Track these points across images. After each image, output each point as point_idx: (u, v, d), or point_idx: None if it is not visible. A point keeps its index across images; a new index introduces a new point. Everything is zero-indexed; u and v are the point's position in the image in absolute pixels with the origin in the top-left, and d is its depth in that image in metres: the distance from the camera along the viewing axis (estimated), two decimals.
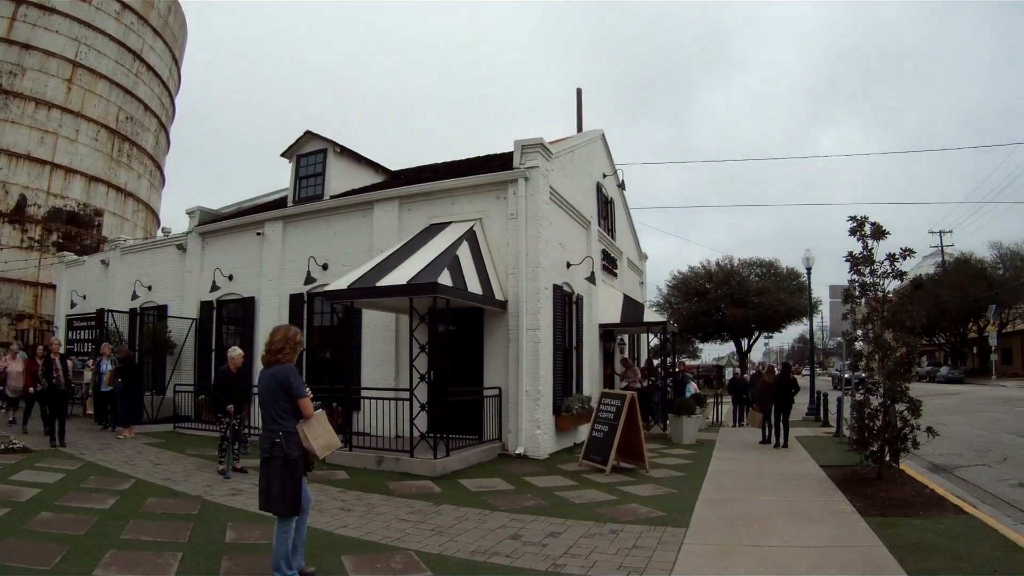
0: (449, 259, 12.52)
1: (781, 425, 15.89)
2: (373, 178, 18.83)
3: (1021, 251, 54.76)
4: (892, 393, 10.64)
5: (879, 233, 11.37)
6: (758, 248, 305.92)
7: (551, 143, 15.57)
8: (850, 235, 11.58)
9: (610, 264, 21.32)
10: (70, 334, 23.87)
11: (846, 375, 14.48)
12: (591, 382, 17.90)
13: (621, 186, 22.86)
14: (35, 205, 30.96)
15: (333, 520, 8.08)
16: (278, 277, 17.59)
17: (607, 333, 20.21)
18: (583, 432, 14.64)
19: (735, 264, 56.16)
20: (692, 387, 22.69)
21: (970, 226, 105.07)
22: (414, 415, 11.83)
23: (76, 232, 32.33)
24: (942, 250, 62.84)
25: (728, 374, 42.08)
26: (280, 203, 19.04)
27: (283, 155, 18.29)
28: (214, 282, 18.85)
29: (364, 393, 14.06)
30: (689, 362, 60.33)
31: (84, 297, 24.16)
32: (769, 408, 16.34)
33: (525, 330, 13.82)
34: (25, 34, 30.73)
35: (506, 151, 15.96)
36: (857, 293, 11.75)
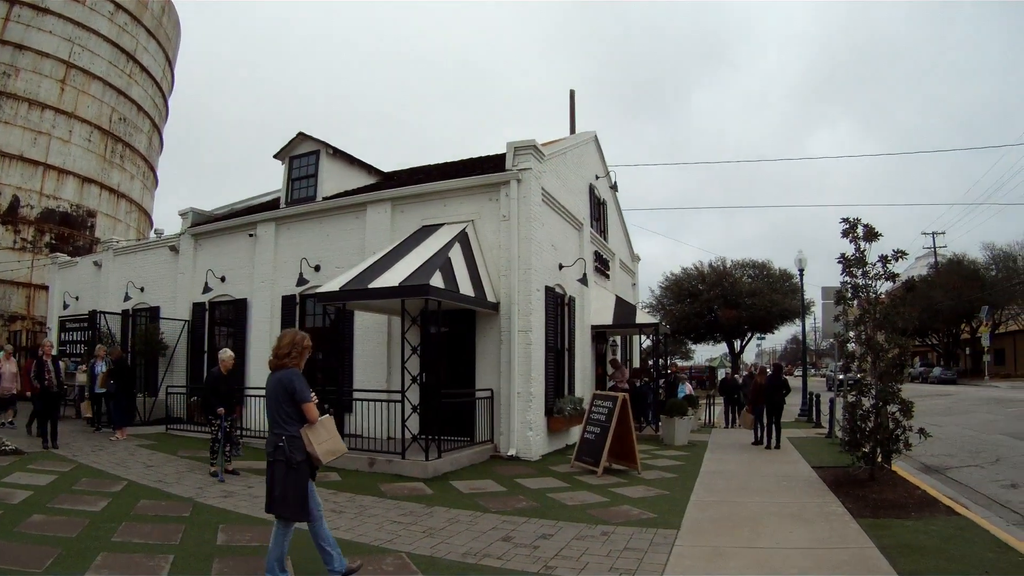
0: (441, 261, 12.54)
1: (773, 426, 15.91)
2: (366, 180, 18.82)
3: (1014, 252, 54.86)
4: (884, 394, 10.67)
5: (871, 235, 11.40)
6: (751, 249, 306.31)
7: (544, 145, 15.60)
8: (842, 237, 11.61)
9: (602, 265, 21.33)
10: (63, 335, 23.77)
11: (840, 376, 14.55)
12: (583, 383, 17.92)
13: (613, 187, 22.90)
14: (28, 206, 30.86)
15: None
16: (270, 279, 17.58)
17: (599, 334, 20.23)
18: (575, 433, 14.66)
19: (728, 265, 56.20)
20: (687, 388, 22.76)
21: (963, 227, 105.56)
22: (406, 417, 11.84)
23: (69, 233, 32.23)
24: (935, 251, 63.08)
25: (721, 375, 42.07)
26: (273, 204, 19.02)
27: (276, 156, 18.27)
28: (206, 283, 18.83)
29: (356, 395, 14.05)
30: (681, 363, 60.42)
31: (77, 298, 24.09)
32: (761, 409, 16.37)
33: (517, 331, 13.84)
34: (19, 34, 30.64)
35: (499, 153, 15.95)
36: (849, 295, 11.76)
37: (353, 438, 12.94)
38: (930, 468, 12.56)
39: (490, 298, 13.89)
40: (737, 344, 59.58)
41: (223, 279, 18.79)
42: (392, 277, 12.31)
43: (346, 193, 17.40)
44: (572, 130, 24.07)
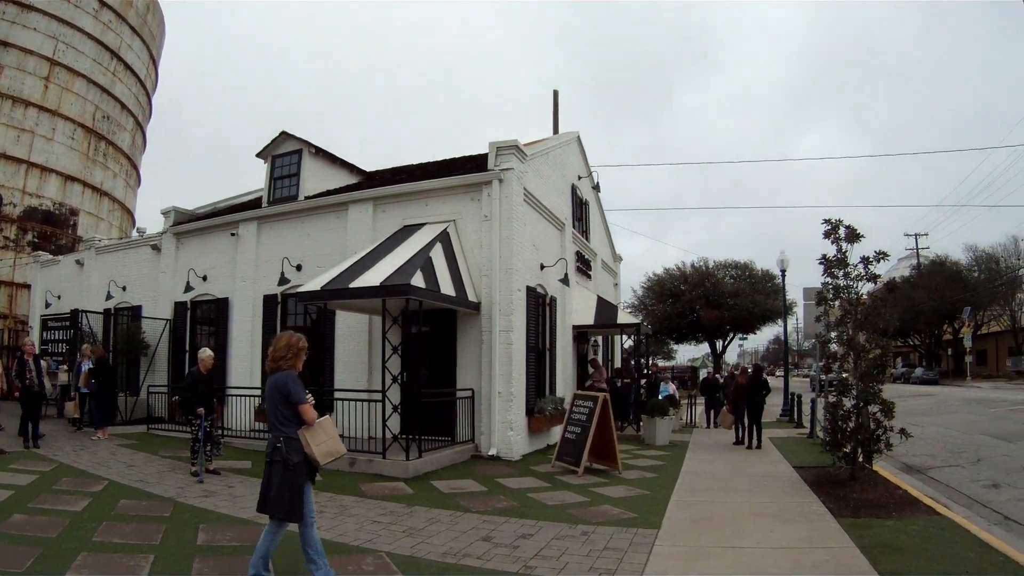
0: (422, 260, 12.54)
1: (754, 426, 15.99)
2: (348, 179, 18.81)
3: (996, 254, 55.28)
4: (865, 395, 10.74)
5: (853, 236, 11.49)
6: (734, 250, 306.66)
7: (526, 145, 15.64)
8: (824, 238, 11.68)
9: (584, 266, 21.41)
10: (45, 334, 23.69)
11: (824, 377, 14.62)
12: (564, 383, 17.97)
13: (596, 188, 22.94)
14: (10, 204, 30.60)
15: None
16: (252, 278, 17.53)
17: (581, 334, 20.27)
18: (556, 433, 14.68)
19: (710, 266, 56.24)
20: (670, 388, 22.79)
21: (946, 229, 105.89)
22: (387, 416, 11.83)
23: (51, 232, 32.01)
24: (917, 252, 63.42)
25: (702, 375, 42.19)
26: (255, 204, 18.96)
27: (258, 155, 18.20)
28: (188, 283, 18.76)
29: (337, 395, 14.04)
30: (662, 363, 60.50)
31: (59, 297, 23.94)
32: (742, 410, 16.45)
33: (498, 331, 13.87)
34: (3, 31, 30.32)
35: (481, 153, 16.00)
36: (830, 296, 11.82)
37: None
38: (912, 468, 12.65)
39: (471, 298, 13.91)
40: (719, 344, 59.71)
41: (205, 278, 18.73)
42: (373, 277, 12.32)
43: (328, 192, 17.37)
44: (555, 130, 24.10)
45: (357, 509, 8.96)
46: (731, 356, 75.42)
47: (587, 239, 22.14)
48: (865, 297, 11.90)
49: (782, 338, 30.84)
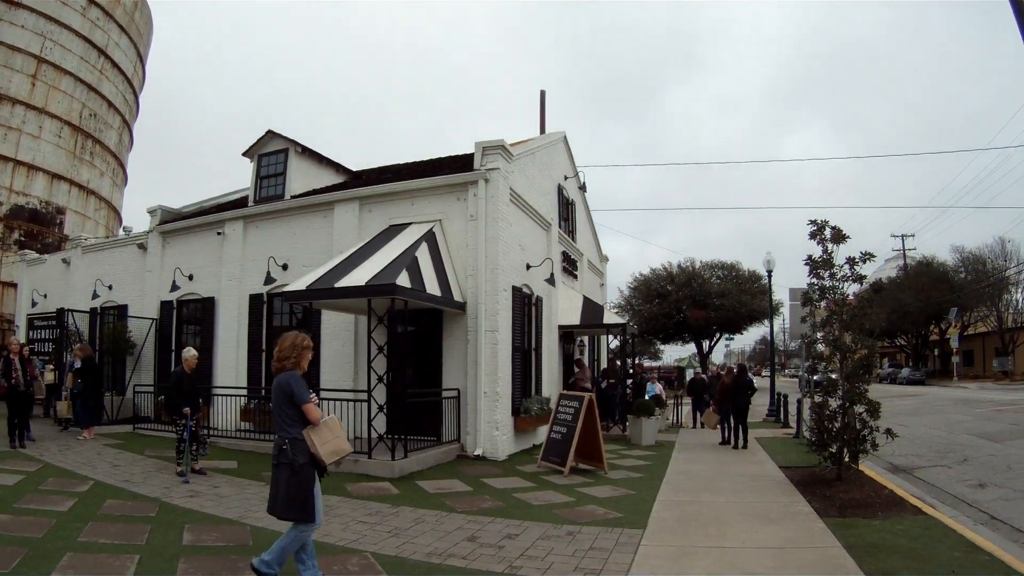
0: (408, 260, 12.54)
1: (740, 426, 16.05)
2: (334, 178, 18.80)
3: (983, 255, 55.55)
4: (851, 395, 10.77)
5: (839, 237, 11.51)
6: (721, 251, 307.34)
7: (512, 145, 15.64)
8: (810, 239, 11.71)
9: (570, 266, 21.44)
10: (31, 334, 23.57)
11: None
12: (550, 383, 18.00)
13: (582, 188, 22.98)
14: None
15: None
16: (238, 277, 17.49)
17: (567, 335, 20.28)
18: (542, 433, 14.69)
19: (697, 266, 56.19)
20: (657, 387, 22.81)
21: (933, 230, 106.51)
22: (372, 416, 11.83)
23: (38, 230, 31.89)
24: (904, 253, 63.67)
25: (689, 375, 42.23)
26: (241, 203, 18.91)
27: (244, 154, 18.17)
28: (174, 282, 18.69)
29: (323, 394, 13.94)
30: (648, 363, 60.50)
31: (45, 296, 23.81)
32: (728, 410, 16.50)
33: (484, 331, 13.88)
34: None
35: (467, 152, 16.00)
36: (816, 296, 11.85)
37: None
38: (898, 468, 12.70)
39: (457, 298, 13.93)
40: (706, 345, 59.73)
41: (191, 277, 18.66)
42: (359, 276, 12.32)
43: (314, 192, 17.35)
44: (542, 130, 24.15)
45: (342, 509, 8.94)
46: (718, 356, 75.51)
47: (573, 239, 22.17)
48: (851, 298, 11.92)
49: (769, 338, 30.91)
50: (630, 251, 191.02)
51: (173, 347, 18.98)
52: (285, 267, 16.43)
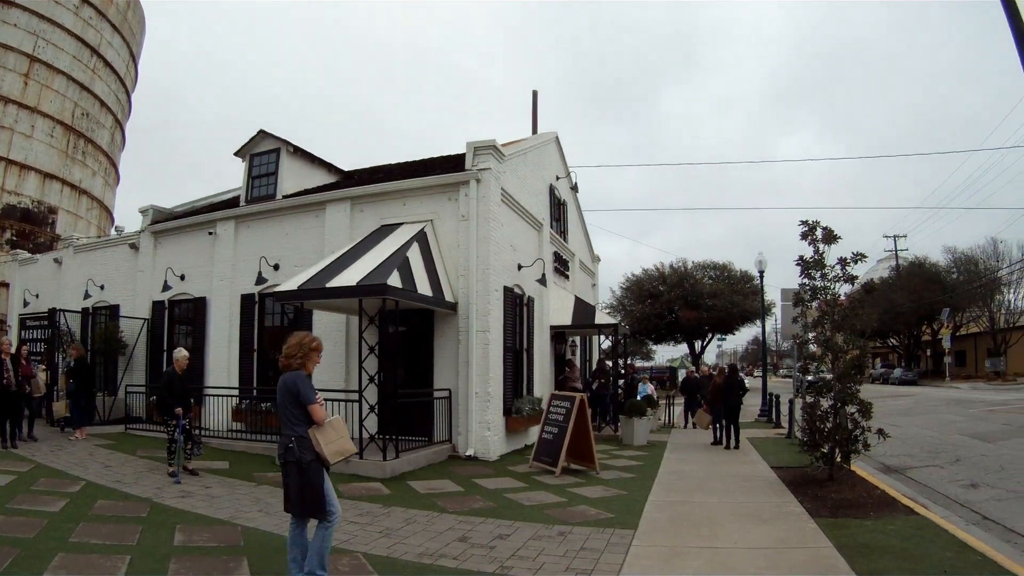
0: (399, 260, 12.54)
1: (731, 426, 16.06)
2: (326, 178, 18.78)
3: (975, 256, 55.70)
4: (843, 395, 10.78)
5: (830, 238, 11.51)
6: (714, 251, 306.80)
7: (504, 145, 15.68)
8: (801, 239, 11.70)
9: (562, 266, 21.46)
10: (23, 333, 23.51)
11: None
12: (542, 384, 18.01)
13: (574, 188, 23.03)
14: None
15: (282, 522, 8.02)
16: (230, 277, 17.47)
17: (559, 335, 20.31)
18: (534, 434, 14.73)
19: (689, 267, 56.18)
20: (648, 388, 22.83)
21: (925, 231, 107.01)
22: (363, 417, 11.83)
23: (30, 230, 31.76)
24: (896, 254, 63.84)
25: (681, 375, 42.28)
26: (233, 203, 18.87)
27: (236, 154, 18.14)
28: (166, 282, 18.65)
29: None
30: (639, 363, 60.49)
31: (37, 296, 23.73)
32: (720, 410, 16.52)
33: (475, 331, 13.89)
34: None
35: (459, 152, 15.99)
36: (807, 297, 11.88)
37: None
38: (890, 468, 12.71)
39: (448, 298, 13.93)
40: (698, 345, 59.76)
41: (183, 277, 18.63)
42: (350, 276, 12.31)
43: (306, 192, 17.34)
44: (535, 130, 24.22)
45: None
46: (710, 357, 75.53)
47: (565, 239, 22.20)
48: (843, 298, 11.94)
49: (761, 339, 30.97)
50: (623, 252, 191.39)
51: (165, 347, 18.92)
52: (276, 267, 16.41)
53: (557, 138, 21.35)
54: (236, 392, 15.96)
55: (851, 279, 11.54)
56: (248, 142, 17.89)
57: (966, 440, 16.27)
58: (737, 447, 15.84)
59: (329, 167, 19.09)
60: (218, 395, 15.24)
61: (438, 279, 13.81)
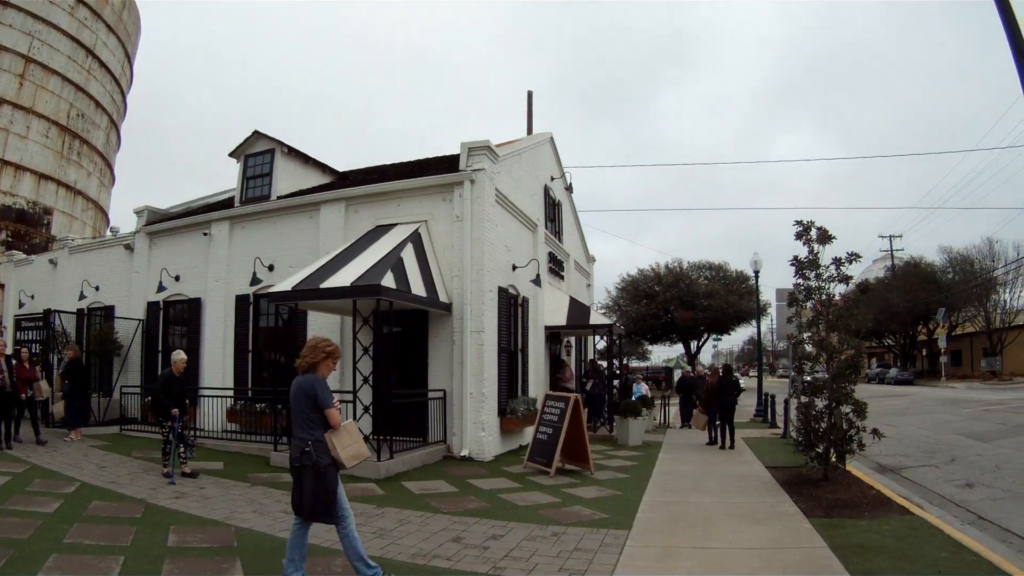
0: (393, 261, 12.55)
1: (727, 426, 16.07)
2: (321, 179, 18.78)
3: (971, 256, 55.76)
4: (837, 395, 10.79)
5: (825, 238, 11.53)
6: (709, 251, 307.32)
7: (498, 145, 15.68)
8: (796, 239, 11.71)
9: (557, 266, 21.48)
10: (18, 335, 23.46)
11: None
12: (537, 384, 18.00)
13: (569, 189, 23.01)
14: None
15: (276, 523, 8.09)
16: (225, 278, 17.44)
17: (553, 335, 20.30)
18: (528, 434, 14.70)
19: (684, 267, 56.11)
20: (643, 388, 22.82)
21: (921, 231, 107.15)
22: (358, 417, 11.78)
23: (25, 231, 31.77)
24: (892, 254, 63.84)
25: (677, 374, 42.22)
26: (228, 203, 18.85)
27: (231, 155, 18.14)
28: (161, 283, 18.61)
29: None
30: (635, 363, 60.47)
31: (32, 297, 23.68)
32: (715, 410, 16.53)
33: (470, 332, 13.90)
34: None
35: (454, 153, 15.96)
36: (802, 297, 11.87)
37: None
38: (885, 468, 12.72)
39: (443, 298, 13.94)
40: (693, 345, 59.72)
41: (177, 278, 18.60)
42: (344, 277, 12.32)
43: (300, 192, 17.33)
44: (529, 131, 24.20)
45: None
46: (705, 357, 75.53)
47: (560, 240, 22.21)
48: (838, 298, 11.95)
49: (756, 339, 31.01)
50: (618, 252, 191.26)
51: (160, 348, 18.93)
52: (271, 268, 16.40)
53: (552, 139, 21.36)
54: (231, 393, 15.95)
55: (846, 279, 11.54)
56: (243, 143, 17.88)
57: (962, 440, 16.30)
58: (732, 447, 15.84)
59: (324, 168, 19.09)
60: (213, 396, 15.25)
61: (432, 280, 13.81)
